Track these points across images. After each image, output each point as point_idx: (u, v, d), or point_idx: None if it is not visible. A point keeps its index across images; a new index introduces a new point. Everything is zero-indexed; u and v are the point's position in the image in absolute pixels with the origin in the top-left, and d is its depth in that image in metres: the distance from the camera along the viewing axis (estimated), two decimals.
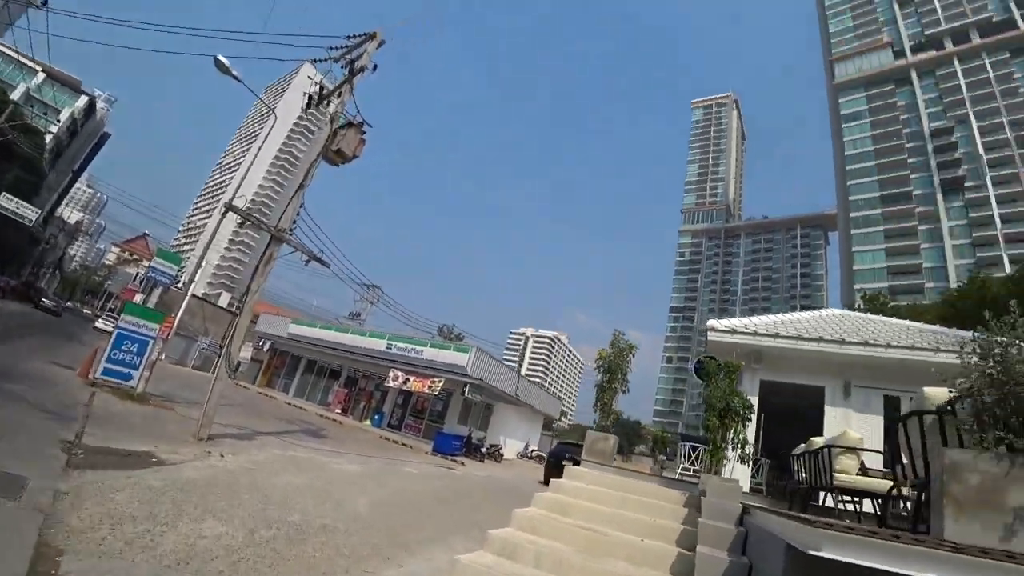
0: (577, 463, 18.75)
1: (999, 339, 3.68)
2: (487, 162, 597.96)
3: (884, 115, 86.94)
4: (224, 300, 71.73)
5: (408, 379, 25.80)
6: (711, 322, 12.10)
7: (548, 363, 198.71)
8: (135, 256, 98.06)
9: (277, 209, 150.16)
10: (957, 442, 3.80)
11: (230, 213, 12.54)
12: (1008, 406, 3.44)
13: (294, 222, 12.53)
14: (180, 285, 37.87)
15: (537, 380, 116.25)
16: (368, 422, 28.53)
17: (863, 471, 6.32)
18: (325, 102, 13.76)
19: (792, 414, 11.86)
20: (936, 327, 14.85)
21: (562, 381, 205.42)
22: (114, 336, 13.40)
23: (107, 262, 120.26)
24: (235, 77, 15.79)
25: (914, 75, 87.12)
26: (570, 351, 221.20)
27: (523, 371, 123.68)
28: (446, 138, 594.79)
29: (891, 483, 5.36)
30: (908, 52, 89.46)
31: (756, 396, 11.02)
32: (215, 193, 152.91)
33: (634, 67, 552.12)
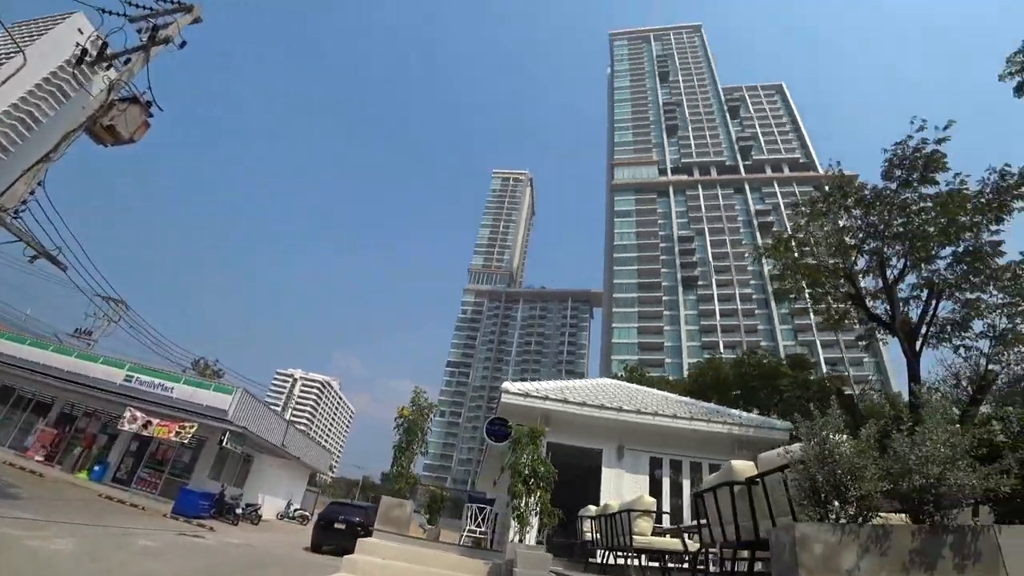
0: (361, 528, 16.65)
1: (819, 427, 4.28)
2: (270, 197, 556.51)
3: (647, 217, 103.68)
4: None
5: (151, 421, 20.23)
6: (505, 384, 12.37)
7: (316, 409, 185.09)
8: None
9: None
10: (765, 510, 4.40)
11: None
12: (831, 482, 4.02)
13: (24, 202, 8.95)
14: None
15: (303, 427, 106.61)
16: (84, 474, 21.33)
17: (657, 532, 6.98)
18: (105, 64, 10.53)
19: (573, 474, 12.33)
20: (686, 398, 16.79)
21: (330, 429, 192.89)
22: None
23: None
24: None
25: (671, 190, 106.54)
26: (340, 398, 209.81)
27: (287, 416, 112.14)
28: (239, 168, 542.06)
29: (682, 543, 6.26)
30: (669, 171, 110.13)
31: (547, 459, 11.44)
32: None
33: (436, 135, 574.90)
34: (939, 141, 14.53)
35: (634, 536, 6.29)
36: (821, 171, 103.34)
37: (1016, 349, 14.97)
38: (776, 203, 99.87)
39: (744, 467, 4.80)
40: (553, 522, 8.20)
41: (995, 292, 14.59)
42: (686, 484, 12.27)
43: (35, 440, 23.11)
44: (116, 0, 10.18)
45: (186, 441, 20.25)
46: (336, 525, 17.02)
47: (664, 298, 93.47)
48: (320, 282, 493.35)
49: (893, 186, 15.24)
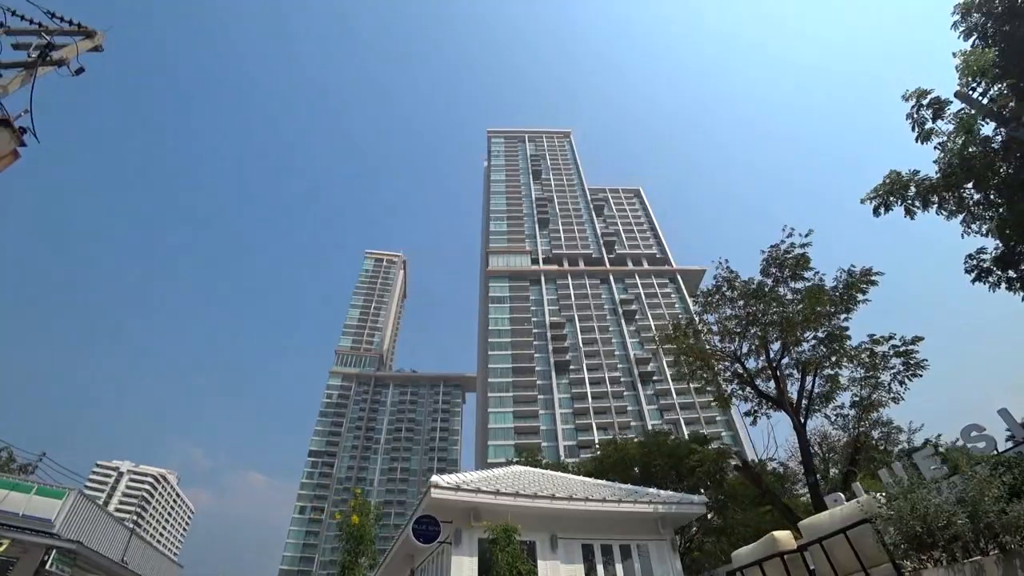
0: None
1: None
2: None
3: (520, 304, 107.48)
4: None
5: None
6: (435, 478, 11.40)
7: (146, 507, 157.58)
8: None
9: None
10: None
11: None
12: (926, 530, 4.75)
13: None
14: None
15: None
16: None
17: None
18: None
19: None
20: (601, 481, 16.57)
21: (164, 530, 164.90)
22: None
23: None
24: None
25: (543, 279, 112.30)
26: (178, 494, 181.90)
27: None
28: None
29: None
30: (540, 261, 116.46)
31: (476, 557, 10.53)
32: None
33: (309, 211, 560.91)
34: (803, 245, 17.68)
35: None
36: (674, 265, 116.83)
37: (876, 414, 17.77)
38: (638, 292, 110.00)
39: (786, 537, 5.30)
40: None
41: (855, 367, 17.56)
42: (619, 569, 11.84)
43: None
44: None
45: None
46: None
47: (538, 382, 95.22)
48: (149, 358, 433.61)
49: (769, 282, 17.75)
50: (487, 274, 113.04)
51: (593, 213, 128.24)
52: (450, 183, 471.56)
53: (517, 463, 29.79)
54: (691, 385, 20.19)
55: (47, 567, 16.24)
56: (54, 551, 16.16)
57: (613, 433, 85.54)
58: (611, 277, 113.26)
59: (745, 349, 18.46)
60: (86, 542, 17.56)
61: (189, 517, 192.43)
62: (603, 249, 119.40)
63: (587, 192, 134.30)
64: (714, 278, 19.39)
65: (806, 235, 17.58)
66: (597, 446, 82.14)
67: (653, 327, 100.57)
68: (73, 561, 17.02)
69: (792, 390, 17.92)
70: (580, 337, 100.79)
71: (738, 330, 18.32)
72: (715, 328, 19.26)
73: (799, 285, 17.68)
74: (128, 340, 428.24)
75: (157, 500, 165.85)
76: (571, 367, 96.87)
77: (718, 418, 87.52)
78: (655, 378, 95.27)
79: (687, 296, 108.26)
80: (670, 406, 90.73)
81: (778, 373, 17.66)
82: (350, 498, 9.49)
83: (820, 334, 17.48)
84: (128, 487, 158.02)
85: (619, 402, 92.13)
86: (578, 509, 11.44)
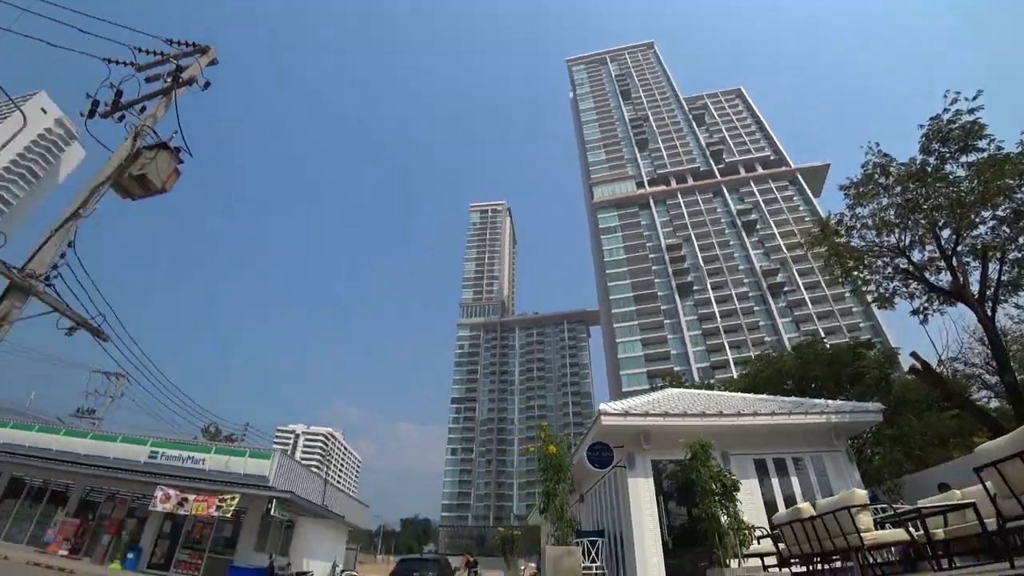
0: None
1: None
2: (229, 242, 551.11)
3: (632, 231, 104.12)
4: None
5: (186, 498, 18.58)
6: (603, 406, 11.68)
7: (322, 463, 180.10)
8: None
9: None
10: None
11: None
12: None
13: (55, 267, 7.95)
14: None
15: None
16: (117, 565, 19.52)
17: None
18: (118, 115, 9.74)
19: (679, 491, 11.76)
20: (763, 396, 15.98)
21: (340, 479, 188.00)
22: None
23: None
24: None
25: (651, 202, 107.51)
26: (346, 448, 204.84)
27: None
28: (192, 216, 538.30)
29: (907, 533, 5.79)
30: (646, 184, 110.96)
31: (650, 477, 10.90)
32: None
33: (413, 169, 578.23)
34: (972, 111, 14.73)
35: (862, 533, 5.65)
36: (792, 165, 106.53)
37: None
38: (756, 201, 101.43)
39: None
40: (750, 538, 7.19)
41: None
42: (795, 482, 11.63)
43: (56, 533, 21.17)
44: (121, 49, 9.57)
45: (228, 515, 18.61)
46: None
47: (662, 307, 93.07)
48: (298, 339, 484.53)
49: (932, 160, 15.39)
50: (593, 207, 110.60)
51: (694, 124, 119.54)
52: (541, 124, 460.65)
53: (662, 387, 29.95)
54: (846, 289, 18.53)
55: (271, 513, 19.49)
56: (274, 500, 19.30)
57: (747, 351, 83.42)
58: (724, 189, 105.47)
59: (908, 240, 16.52)
60: (296, 491, 21.02)
61: (358, 466, 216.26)
62: (711, 160, 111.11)
63: (683, 103, 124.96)
64: (863, 166, 17.15)
65: (974, 98, 14.77)
66: (735, 365, 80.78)
67: (778, 235, 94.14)
68: (288, 507, 20.33)
69: (970, 281, 15.85)
70: (700, 256, 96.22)
71: (897, 220, 16.26)
72: (869, 222, 17.15)
73: (971, 158, 15.18)
74: (275, 323, 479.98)
75: (330, 454, 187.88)
76: (694, 288, 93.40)
77: (862, 324, 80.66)
78: (786, 289, 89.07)
79: (812, 197, 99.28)
80: (806, 317, 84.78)
81: (953, 262, 15.44)
82: (536, 431, 10.10)
83: (1002, 212, 15.05)
84: (304, 446, 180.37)
85: (750, 318, 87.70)
86: (747, 424, 11.32)
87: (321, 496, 24.80)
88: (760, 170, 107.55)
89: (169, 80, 9.70)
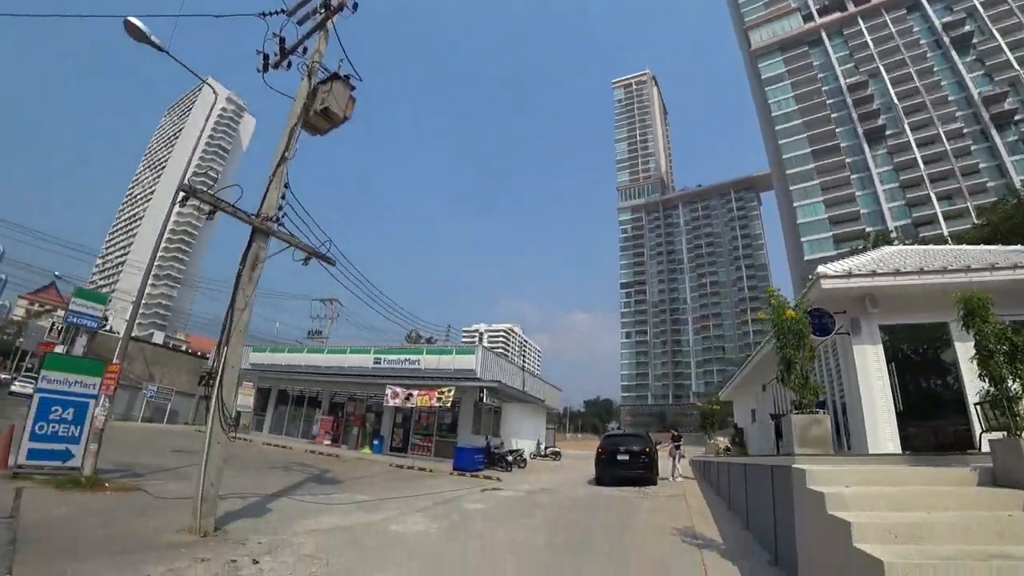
0: (647, 457, 16.57)
1: None
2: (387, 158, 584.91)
3: (803, 75, 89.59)
4: (158, 340, 65.08)
5: (411, 394, 22.26)
6: (821, 268, 10.37)
7: (506, 354, 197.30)
8: (47, 307, 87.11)
9: (202, 235, 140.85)
10: None
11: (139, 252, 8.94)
12: None
13: (280, 208, 9.09)
14: (109, 327, 32.68)
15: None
16: (367, 449, 24.74)
17: None
18: (285, 63, 10.40)
19: (914, 360, 10.44)
20: (1011, 247, 13.43)
21: (496, 373, 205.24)
22: (35, 402, 9.51)
23: (15, 317, 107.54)
24: (155, 45, 11.94)
25: (824, 36, 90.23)
26: (526, 341, 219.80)
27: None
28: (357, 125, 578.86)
29: None
30: (815, 15, 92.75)
31: (879, 344, 9.84)
32: (128, 228, 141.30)
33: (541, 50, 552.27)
34: None
35: None
36: None
37: None
38: (971, 6, 79.28)
39: None
40: None
41: None
42: None
43: (319, 428, 27.11)
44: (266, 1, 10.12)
45: (447, 405, 21.77)
46: (619, 456, 17.10)
47: (847, 160, 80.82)
48: (468, 247, 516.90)
49: None
50: (751, 55, 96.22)
51: None
52: None
53: (863, 249, 26.82)
54: None
55: (483, 400, 22.61)
56: (483, 390, 22.15)
57: (962, 202, 69.83)
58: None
59: None
60: (503, 380, 24.27)
61: (538, 355, 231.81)
62: None
63: None
64: None
65: None
66: (944, 220, 68.53)
67: (1006, 47, 73.26)
68: (496, 394, 23.12)
69: None
70: (893, 92, 79.75)
71: None
72: None
73: None
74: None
75: (512, 349, 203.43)
76: (887, 133, 78.92)
77: None
78: (1019, 118, 69.96)
79: None
80: None
81: None
82: (765, 298, 9.51)
83: None
84: (488, 342, 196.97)
85: (964, 161, 71.93)
86: (1004, 280, 9.22)
87: (521, 383, 27.73)
88: None
89: (323, 12, 10.11)
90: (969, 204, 68.23)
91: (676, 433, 21.34)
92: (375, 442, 24.77)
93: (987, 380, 6.23)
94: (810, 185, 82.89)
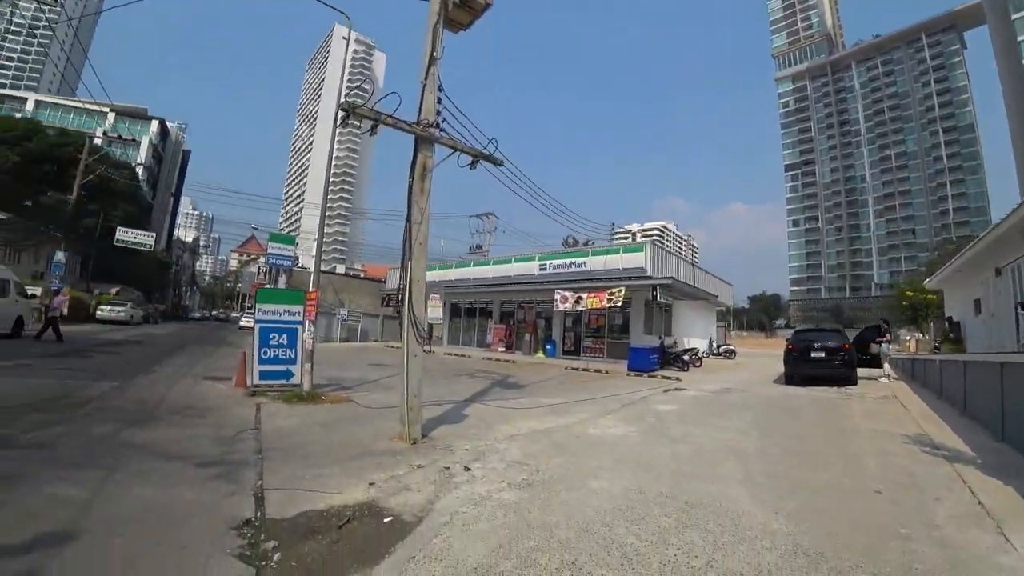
0: (845, 354, 14.86)
1: None
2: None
3: None
4: (340, 271, 73.25)
5: (580, 297, 21.86)
6: None
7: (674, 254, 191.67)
8: (252, 255, 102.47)
9: (360, 180, 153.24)
10: None
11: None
12: None
13: (438, 113, 8.52)
14: (300, 264, 36.65)
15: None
16: (541, 354, 25.56)
17: None
18: None
19: None
20: None
21: (667, 269, 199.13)
22: (257, 332, 10.69)
23: (232, 267, 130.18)
24: None
25: None
26: (681, 237, 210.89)
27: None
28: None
29: None
30: None
31: None
32: (299, 177, 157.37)
33: None
34: None
35: None
36: None
37: None
38: None
39: None
40: None
41: None
42: None
43: (492, 337, 28.94)
44: None
45: (619, 304, 21.24)
46: (813, 354, 15.46)
47: None
48: (615, 146, 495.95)
49: None
50: None
51: None
52: None
53: None
54: None
55: (655, 299, 21.71)
56: (656, 288, 21.08)
57: None
58: None
59: None
60: (676, 277, 23.32)
61: (695, 253, 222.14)
62: None
63: None
64: None
65: None
66: None
67: None
68: (669, 291, 22.31)
69: None
70: None
71: None
72: None
73: None
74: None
75: (668, 245, 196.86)
76: None
77: None
78: None
79: None
80: None
81: None
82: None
83: None
84: (641, 238, 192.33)
85: None
86: None
87: (691, 278, 26.59)
88: None
89: None
90: None
91: (886, 324, 18.53)
92: (548, 346, 25.54)
93: None
94: None
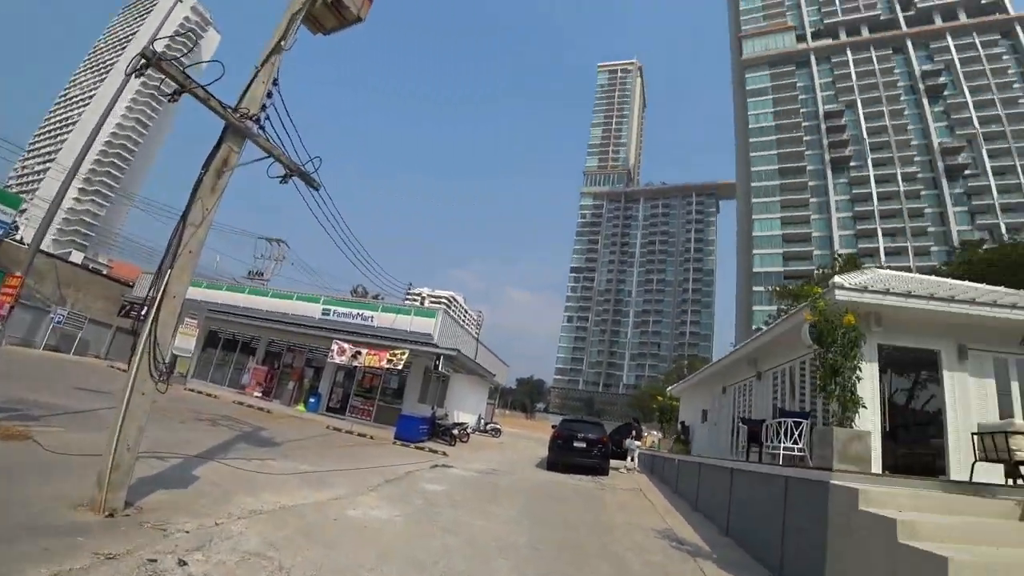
0: (603, 446, 16.21)
1: None
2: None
3: (785, 94, 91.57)
4: (76, 259, 59.80)
5: (360, 352, 20.20)
6: (837, 279, 10.54)
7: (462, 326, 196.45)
8: None
9: (141, 154, 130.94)
10: None
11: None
12: None
13: (264, 107, 7.40)
14: (20, 238, 29.14)
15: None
16: (302, 407, 22.88)
17: None
18: None
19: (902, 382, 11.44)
20: (993, 287, 13.66)
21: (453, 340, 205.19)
22: None
23: None
24: None
25: (812, 59, 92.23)
26: (467, 310, 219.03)
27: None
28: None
29: None
30: (809, 37, 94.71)
31: (875, 363, 10.08)
32: (57, 132, 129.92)
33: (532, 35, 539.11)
34: None
35: None
36: (1011, 11, 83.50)
37: None
38: (949, 60, 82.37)
39: None
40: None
41: None
42: None
43: (251, 378, 25.02)
44: None
45: (399, 368, 20.10)
46: (576, 444, 16.62)
47: (810, 183, 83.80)
48: (412, 203, 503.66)
49: None
50: (741, 64, 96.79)
51: None
52: None
53: (822, 272, 27.04)
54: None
55: (438, 369, 21.17)
56: (441, 357, 20.66)
57: (903, 240, 73.73)
58: (908, 44, 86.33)
59: None
60: (462, 349, 22.98)
61: (478, 329, 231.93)
62: (896, 6, 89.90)
63: None
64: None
65: None
66: (885, 254, 71.84)
67: (971, 105, 77.50)
68: (451, 363, 22.10)
69: None
70: (864, 127, 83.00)
71: None
72: None
73: None
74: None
75: (453, 315, 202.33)
76: (851, 164, 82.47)
77: None
78: (968, 172, 74.81)
79: None
80: (985, 208, 71.76)
81: None
82: (811, 299, 9.41)
83: None
84: (430, 303, 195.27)
85: (913, 203, 76.35)
86: (999, 317, 9.71)
87: (474, 353, 26.80)
88: (963, 19, 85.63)
89: None
90: (909, 244, 72.71)
91: (636, 423, 20.96)
92: (311, 399, 22.98)
93: None
94: (772, 201, 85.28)
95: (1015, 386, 10.16)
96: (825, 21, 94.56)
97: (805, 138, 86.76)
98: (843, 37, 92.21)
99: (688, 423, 24.93)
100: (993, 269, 18.79)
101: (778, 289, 37.97)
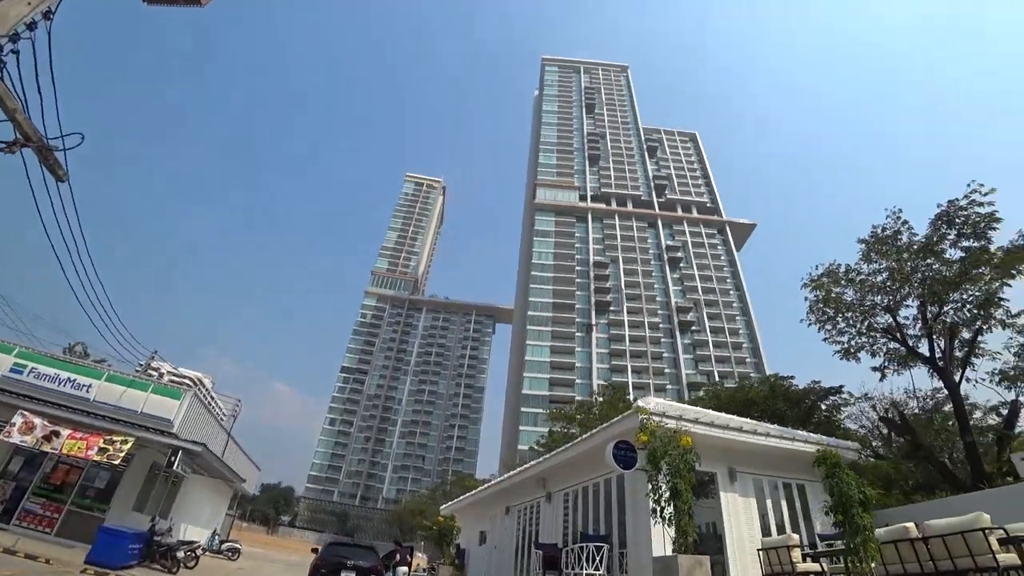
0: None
1: None
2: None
3: (565, 239, 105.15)
4: None
5: (57, 432, 14.12)
6: (640, 402, 11.52)
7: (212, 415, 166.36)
8: None
9: None
10: None
11: None
12: None
13: (17, 38, 4.97)
14: None
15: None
16: None
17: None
18: None
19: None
20: (748, 420, 15.56)
21: (199, 432, 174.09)
22: None
23: None
24: None
25: (589, 217, 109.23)
26: (213, 397, 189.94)
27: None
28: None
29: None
30: (588, 198, 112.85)
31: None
32: None
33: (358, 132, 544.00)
34: (983, 206, 15.31)
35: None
36: (724, 216, 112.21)
37: None
38: (685, 241, 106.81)
39: None
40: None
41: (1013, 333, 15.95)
42: (784, 507, 11.88)
43: None
44: None
45: (116, 461, 14.34)
46: (344, 573, 13.05)
47: (577, 320, 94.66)
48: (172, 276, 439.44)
49: (950, 235, 16.00)
50: (533, 206, 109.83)
51: (646, 154, 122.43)
52: (497, 110, 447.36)
53: (604, 398, 28.99)
54: (826, 332, 18.53)
55: (174, 467, 15.52)
56: (180, 451, 15.24)
57: (647, 378, 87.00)
58: (659, 222, 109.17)
59: (889, 303, 17.05)
60: (209, 444, 17.31)
61: (221, 418, 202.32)
62: (653, 192, 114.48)
63: (641, 131, 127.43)
64: (880, 229, 17.55)
65: (985, 193, 15.26)
66: (633, 388, 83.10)
67: (697, 277, 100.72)
68: (192, 461, 16.48)
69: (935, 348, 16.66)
70: (623, 279, 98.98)
71: (890, 283, 16.80)
72: (869, 280, 17.40)
73: (974, 244, 15.78)
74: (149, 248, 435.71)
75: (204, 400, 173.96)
76: (611, 308, 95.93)
77: (753, 375, 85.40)
78: (694, 328, 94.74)
79: (734, 249, 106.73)
80: (705, 357, 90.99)
81: (932, 333, 16.07)
82: (640, 422, 9.81)
83: (963, 296, 15.80)
84: (169, 382, 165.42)
85: (655, 348, 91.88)
86: (758, 444, 11.60)
87: (222, 450, 20.94)
88: (695, 213, 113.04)
89: None
90: (651, 381, 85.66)
91: (403, 545, 17.73)
92: None
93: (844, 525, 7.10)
94: (543, 330, 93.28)
95: (769, 503, 11.70)
96: (602, 189, 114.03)
97: (577, 280, 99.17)
98: (614, 205, 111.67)
99: (464, 546, 23.08)
100: (733, 403, 22.19)
101: (553, 412, 39.62)
